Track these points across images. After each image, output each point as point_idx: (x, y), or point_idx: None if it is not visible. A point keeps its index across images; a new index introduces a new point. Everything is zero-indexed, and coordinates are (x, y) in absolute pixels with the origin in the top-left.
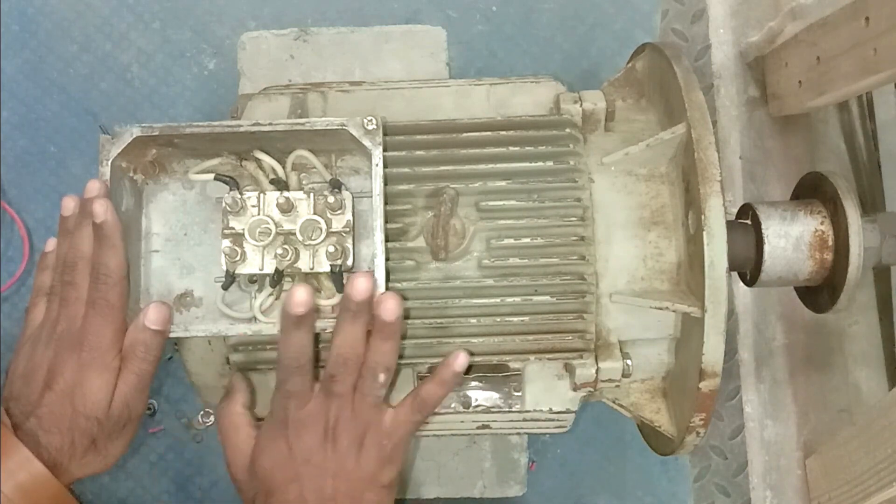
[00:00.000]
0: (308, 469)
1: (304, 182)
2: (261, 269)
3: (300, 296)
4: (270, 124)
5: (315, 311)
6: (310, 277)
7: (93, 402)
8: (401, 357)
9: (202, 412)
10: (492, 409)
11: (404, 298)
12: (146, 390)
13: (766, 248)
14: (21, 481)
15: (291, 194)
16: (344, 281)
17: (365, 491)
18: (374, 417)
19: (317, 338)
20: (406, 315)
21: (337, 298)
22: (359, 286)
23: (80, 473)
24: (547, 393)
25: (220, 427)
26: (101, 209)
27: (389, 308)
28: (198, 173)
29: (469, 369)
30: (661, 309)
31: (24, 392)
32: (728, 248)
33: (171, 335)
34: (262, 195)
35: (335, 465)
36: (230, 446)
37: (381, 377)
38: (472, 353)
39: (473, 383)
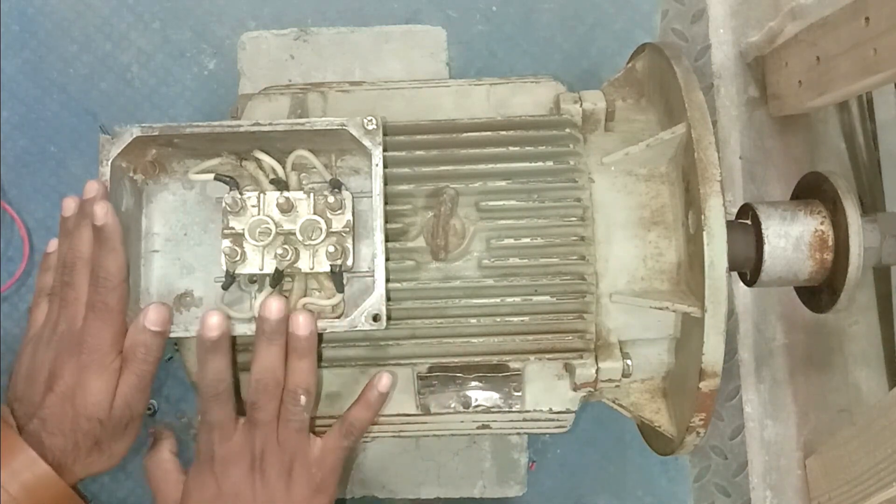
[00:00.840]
0: (238, 503)
1: (304, 182)
2: (261, 269)
3: (213, 320)
4: (270, 124)
5: (229, 337)
6: (310, 277)
7: (94, 404)
8: (402, 357)
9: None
10: (492, 409)
11: (404, 298)
12: (147, 390)
13: (766, 248)
14: (26, 481)
15: (291, 194)
16: (344, 281)
17: None
18: (301, 445)
19: (320, 337)
20: (406, 315)
21: (337, 298)
22: (271, 307)
23: (85, 473)
24: (547, 393)
25: (150, 477)
26: (102, 212)
27: (301, 323)
28: (198, 173)
29: (470, 369)
30: (661, 309)
31: (27, 393)
32: (728, 248)
33: (171, 335)
34: (262, 195)
35: (265, 497)
36: (160, 494)
37: (302, 399)
38: (472, 353)
39: (473, 383)
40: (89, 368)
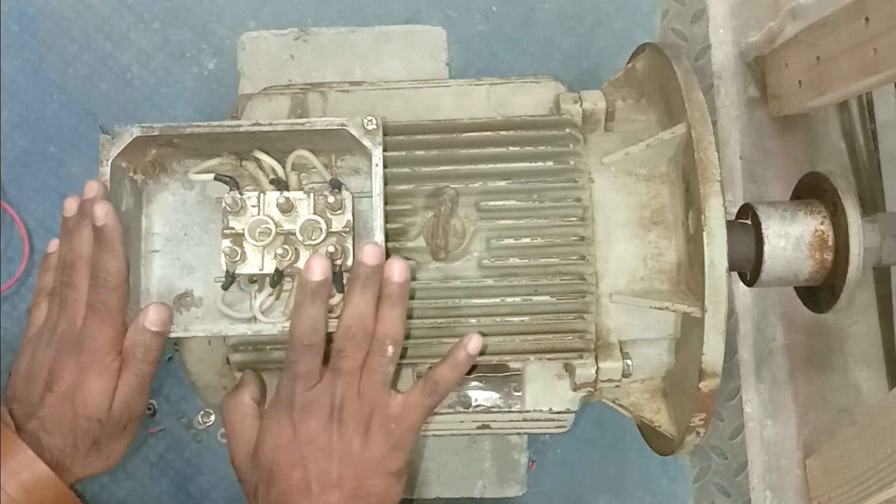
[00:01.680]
0: (312, 452)
1: (304, 182)
2: (261, 269)
3: (318, 263)
4: (270, 124)
5: (331, 284)
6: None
7: (93, 404)
8: (402, 357)
9: (202, 412)
10: (492, 409)
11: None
12: (146, 391)
13: (766, 248)
14: (24, 481)
15: (291, 194)
16: (344, 281)
17: (371, 476)
18: (382, 399)
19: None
20: (407, 314)
21: (337, 298)
22: (369, 252)
23: (83, 473)
24: (547, 393)
25: (226, 417)
26: (102, 212)
27: (397, 268)
28: (198, 173)
29: (469, 369)
30: (661, 309)
31: (26, 393)
32: (728, 248)
33: (171, 335)
34: (262, 195)
35: (340, 448)
36: (234, 436)
37: (390, 350)
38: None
39: (473, 383)
40: (89, 368)
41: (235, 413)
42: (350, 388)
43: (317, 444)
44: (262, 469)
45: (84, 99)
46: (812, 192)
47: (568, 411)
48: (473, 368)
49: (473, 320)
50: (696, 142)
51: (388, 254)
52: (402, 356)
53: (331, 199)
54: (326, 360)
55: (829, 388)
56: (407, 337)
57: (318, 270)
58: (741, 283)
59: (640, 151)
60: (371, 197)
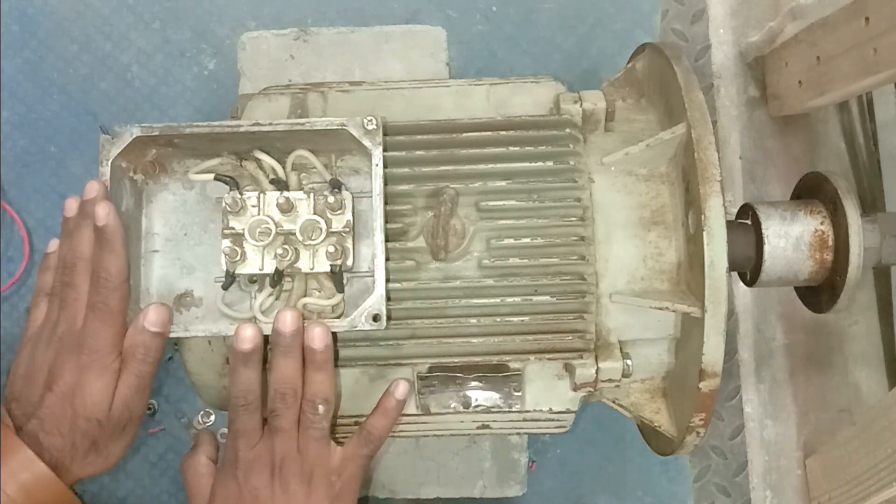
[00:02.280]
0: None
1: (304, 182)
2: (261, 269)
3: (247, 332)
4: (270, 124)
5: (261, 349)
6: (310, 277)
7: (93, 404)
8: (402, 357)
9: (202, 412)
10: (492, 409)
11: (404, 298)
12: (146, 391)
13: (766, 248)
14: (24, 481)
15: (291, 194)
16: (344, 281)
17: None
18: (321, 453)
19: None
20: (406, 315)
21: (337, 298)
22: (285, 320)
23: (82, 474)
24: (547, 393)
25: (184, 477)
26: (103, 212)
27: (316, 336)
28: (198, 173)
29: (470, 369)
30: (661, 309)
31: (25, 393)
32: (728, 248)
33: (171, 335)
34: (262, 195)
35: (284, 503)
36: (191, 494)
37: (321, 408)
38: (472, 353)
39: (473, 383)
40: (89, 369)
41: (192, 473)
42: (288, 444)
43: (260, 501)
44: None
45: (84, 99)
46: (812, 192)
47: (568, 411)
48: (473, 368)
49: (473, 320)
50: (696, 142)
51: (387, 255)
52: (402, 356)
53: (331, 199)
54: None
55: (829, 388)
56: (407, 337)
57: (248, 339)
58: (741, 283)
59: (640, 151)
60: (371, 197)
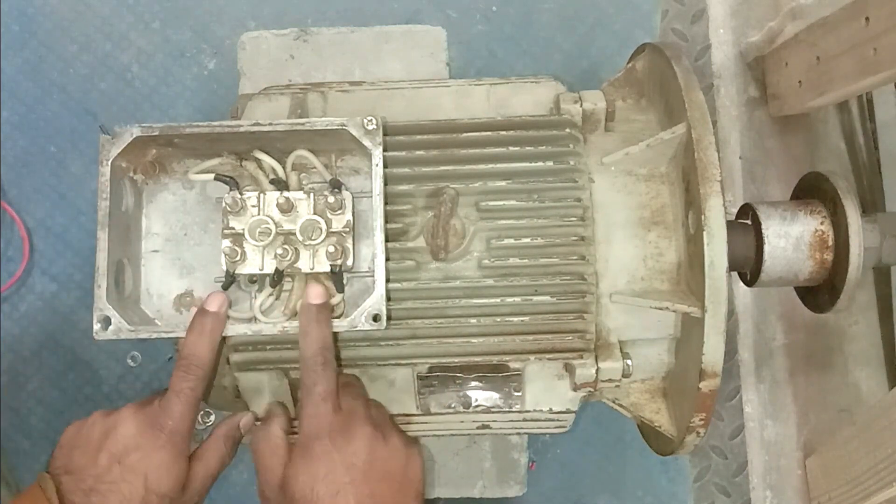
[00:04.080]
0: (354, 476)
1: (304, 182)
2: (261, 269)
3: (316, 287)
4: (270, 124)
5: (330, 307)
6: (310, 277)
7: (168, 483)
8: (402, 357)
9: (202, 412)
10: (492, 409)
11: (404, 298)
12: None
13: (766, 248)
14: None
15: (291, 194)
16: (344, 281)
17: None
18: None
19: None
20: (406, 315)
21: (337, 298)
22: (314, 292)
23: None
24: (547, 393)
25: (257, 450)
26: (217, 302)
27: (313, 293)
28: (198, 173)
29: (470, 369)
30: (661, 309)
31: (81, 464)
32: (728, 248)
33: (171, 335)
34: (262, 195)
35: (390, 456)
36: (265, 468)
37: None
38: (472, 353)
39: (473, 383)
40: (165, 449)
41: (265, 445)
42: (364, 401)
43: (372, 462)
44: (296, 502)
45: (84, 99)
46: (812, 192)
47: (568, 411)
48: (473, 368)
49: (473, 320)
50: (696, 142)
51: (387, 255)
52: (402, 356)
53: (331, 199)
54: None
55: (829, 388)
56: (407, 337)
57: (320, 293)
58: (741, 283)
59: (640, 151)
60: (371, 197)
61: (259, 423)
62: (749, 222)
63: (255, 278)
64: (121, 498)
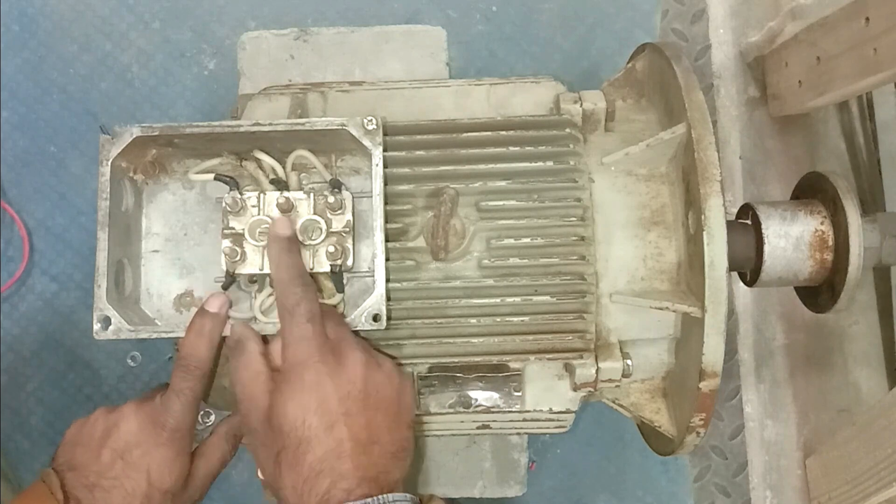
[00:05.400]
0: (351, 406)
1: (304, 182)
2: (261, 269)
3: (282, 223)
4: (270, 124)
5: (297, 239)
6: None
7: (170, 479)
8: (402, 357)
9: (202, 412)
10: (492, 409)
11: (404, 298)
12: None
13: (766, 248)
14: None
15: (291, 194)
16: (344, 281)
17: (402, 427)
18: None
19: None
20: (406, 315)
21: (337, 298)
22: (280, 223)
23: None
24: (547, 393)
25: (237, 378)
26: (218, 303)
27: (280, 224)
28: (198, 173)
29: (470, 369)
30: (661, 309)
31: (84, 461)
32: (728, 248)
33: (171, 335)
34: (262, 195)
35: (385, 379)
36: (248, 398)
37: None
38: (472, 353)
39: (473, 383)
40: (167, 446)
41: (245, 372)
42: (345, 324)
43: (352, 396)
44: (286, 435)
45: (84, 99)
46: (812, 192)
47: (568, 411)
48: (472, 368)
49: (473, 320)
50: (696, 142)
51: (387, 255)
52: (402, 356)
53: (331, 199)
54: None
55: (829, 388)
56: (407, 337)
57: (286, 225)
58: (741, 283)
59: (640, 151)
60: (371, 197)
61: (233, 346)
62: (749, 222)
63: (255, 278)
64: (124, 493)
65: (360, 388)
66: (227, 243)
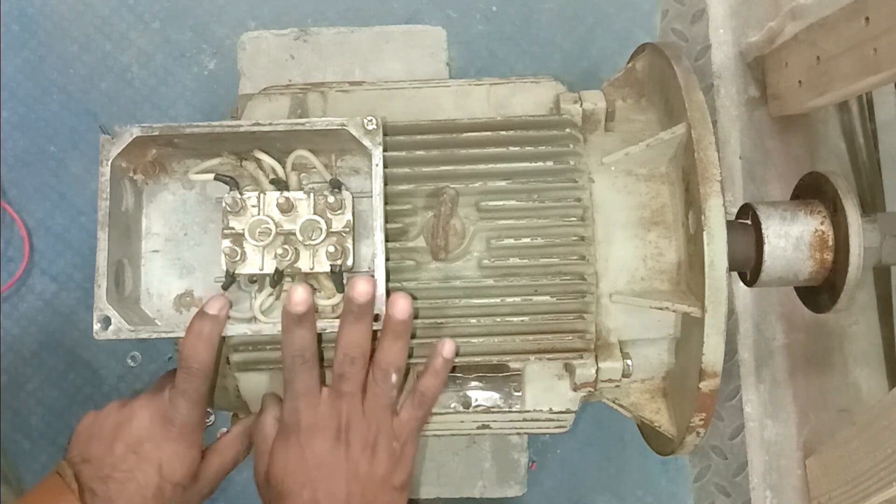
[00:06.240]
0: (321, 472)
1: (304, 182)
2: (261, 269)
3: (299, 295)
4: (270, 124)
5: (315, 310)
6: (310, 277)
7: (181, 471)
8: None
9: None
10: (492, 409)
11: None
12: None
13: (766, 248)
14: None
15: (291, 194)
16: (344, 281)
17: (378, 494)
18: (385, 419)
19: (319, 337)
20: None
21: (337, 298)
22: (360, 289)
23: None
24: (547, 393)
25: (254, 439)
26: (218, 305)
27: (401, 307)
28: (198, 173)
29: (470, 369)
30: (661, 309)
31: (98, 454)
32: (728, 248)
33: (172, 335)
34: (262, 195)
35: (348, 468)
36: (257, 455)
37: (394, 378)
38: (472, 353)
39: (473, 383)
40: (177, 441)
41: (259, 434)
42: (355, 409)
43: (325, 465)
44: (272, 489)
45: (84, 99)
46: (812, 192)
47: (568, 411)
48: (473, 368)
49: (473, 320)
50: (696, 142)
51: (387, 255)
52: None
53: (331, 199)
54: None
55: (829, 388)
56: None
57: (301, 301)
58: (741, 283)
59: (640, 151)
60: (371, 197)
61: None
62: (749, 222)
63: (255, 278)
64: (136, 485)
65: (330, 462)
66: (227, 243)
